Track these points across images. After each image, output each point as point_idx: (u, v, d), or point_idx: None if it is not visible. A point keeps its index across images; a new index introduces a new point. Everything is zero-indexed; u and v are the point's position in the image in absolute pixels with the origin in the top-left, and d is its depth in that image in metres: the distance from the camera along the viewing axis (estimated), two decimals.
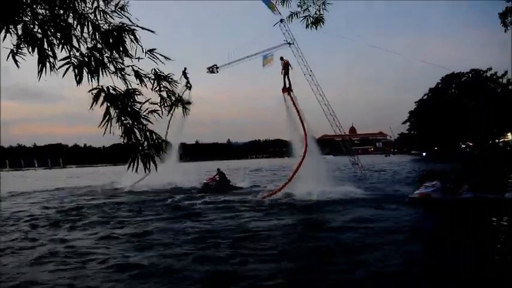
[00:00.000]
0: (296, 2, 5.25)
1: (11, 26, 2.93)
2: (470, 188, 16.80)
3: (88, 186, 34.78)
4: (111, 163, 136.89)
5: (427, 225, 13.35)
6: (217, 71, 42.17)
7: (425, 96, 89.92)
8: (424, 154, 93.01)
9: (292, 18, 5.35)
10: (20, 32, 3.01)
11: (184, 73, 37.03)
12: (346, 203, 17.85)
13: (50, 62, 3.01)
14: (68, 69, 3.05)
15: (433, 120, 77.05)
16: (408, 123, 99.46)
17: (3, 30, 2.91)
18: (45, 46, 2.99)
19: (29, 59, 3.19)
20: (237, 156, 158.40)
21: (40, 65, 2.97)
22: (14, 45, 3.07)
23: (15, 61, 3.12)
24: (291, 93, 24.85)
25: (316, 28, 5.30)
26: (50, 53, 3.07)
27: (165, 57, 3.63)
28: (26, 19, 3.07)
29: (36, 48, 3.02)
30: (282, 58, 25.87)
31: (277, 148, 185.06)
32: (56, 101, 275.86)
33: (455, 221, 13.36)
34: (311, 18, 5.27)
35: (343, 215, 15.09)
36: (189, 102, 3.88)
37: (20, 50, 3.08)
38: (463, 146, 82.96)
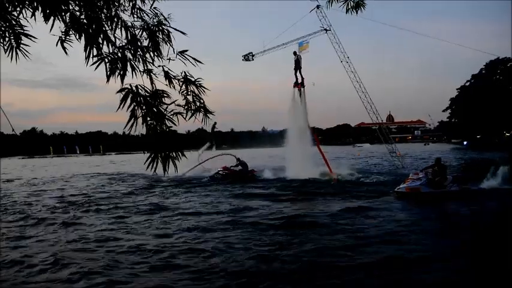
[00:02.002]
0: None
1: (58, 14, 3.02)
2: (454, 180, 16.69)
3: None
4: (144, 151, 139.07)
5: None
6: (253, 59, 42.17)
7: (468, 83, 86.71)
8: (465, 143, 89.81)
9: (332, 2, 5.23)
10: (67, 20, 3.10)
11: (213, 128, 37.65)
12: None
13: (96, 49, 3.09)
14: (99, 63, 3.12)
15: (476, 108, 74.30)
16: (449, 111, 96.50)
17: (52, 18, 3.00)
18: (93, 33, 3.07)
19: (71, 50, 3.29)
20: (272, 143, 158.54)
21: (87, 51, 3.05)
22: (62, 32, 3.17)
23: (64, 48, 3.23)
24: (303, 89, 26.30)
25: (356, 13, 5.18)
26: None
27: (196, 60, 3.63)
28: (74, 8, 3.15)
29: (83, 35, 3.10)
30: (295, 53, 26.79)
31: (311, 136, 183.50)
32: (93, 90, 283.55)
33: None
34: (351, 3, 5.14)
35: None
36: (210, 112, 3.83)
37: (68, 37, 3.18)
38: (507, 134, 79.64)
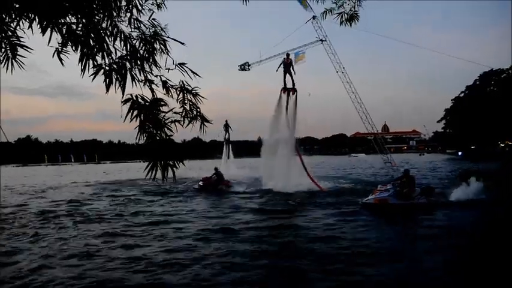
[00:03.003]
0: None
1: (55, 26, 3.05)
2: (422, 192, 16.82)
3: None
4: (143, 160, 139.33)
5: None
6: (249, 69, 42.43)
7: (462, 94, 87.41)
8: (460, 153, 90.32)
9: (326, 15, 5.31)
10: (64, 32, 3.13)
11: (226, 126, 38.57)
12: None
13: (92, 60, 3.12)
14: (97, 73, 3.15)
15: (470, 118, 74.82)
16: (444, 121, 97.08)
17: (49, 30, 3.03)
18: (89, 45, 3.10)
19: (67, 59, 3.32)
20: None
21: (83, 63, 3.08)
22: (59, 43, 3.20)
23: (60, 59, 3.26)
24: (295, 94, 23.97)
25: (350, 25, 5.24)
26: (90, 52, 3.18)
27: (194, 73, 3.67)
28: (70, 21, 3.18)
29: (79, 47, 3.13)
30: (288, 55, 25.04)
31: (307, 146, 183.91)
32: (90, 99, 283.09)
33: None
34: (346, 15, 5.21)
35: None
36: (207, 120, 3.87)
37: (64, 49, 3.21)
38: (501, 145, 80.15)
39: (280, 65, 23.72)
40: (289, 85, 24.17)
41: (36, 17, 3.03)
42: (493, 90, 78.13)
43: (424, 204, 16.29)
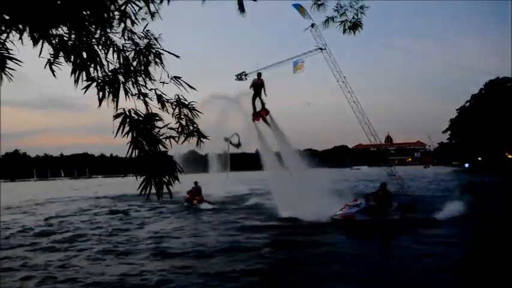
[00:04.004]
0: (332, 6, 5.23)
1: (46, 38, 3.07)
2: (399, 208, 16.35)
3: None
4: (136, 175, 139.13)
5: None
6: (246, 78, 42.51)
7: (468, 103, 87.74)
8: (466, 165, 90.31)
9: (328, 23, 5.34)
10: (55, 43, 3.15)
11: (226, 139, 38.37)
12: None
13: (84, 72, 3.14)
14: (89, 86, 3.16)
15: (476, 129, 75.01)
16: (449, 132, 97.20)
17: (40, 42, 3.05)
18: (82, 56, 3.12)
19: (57, 70, 3.33)
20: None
21: (76, 75, 3.10)
22: (50, 54, 3.22)
23: (52, 70, 3.28)
24: (269, 115, 20.31)
25: (354, 33, 5.26)
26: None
27: (190, 86, 3.68)
28: (61, 32, 3.21)
29: (71, 58, 3.15)
30: (259, 75, 20.00)
31: (307, 158, 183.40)
32: (81, 111, 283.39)
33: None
34: (348, 23, 5.23)
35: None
36: (205, 136, 3.87)
37: (56, 60, 3.23)
38: (510, 156, 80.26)
39: (251, 87, 19.82)
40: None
41: (27, 28, 3.05)
42: (499, 99, 78.52)
43: (397, 221, 15.64)
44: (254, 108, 20.06)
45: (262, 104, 20.15)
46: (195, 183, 25.89)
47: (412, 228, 14.96)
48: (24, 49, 3.37)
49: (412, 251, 11.84)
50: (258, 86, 19.63)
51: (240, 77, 42.51)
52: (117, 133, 3.08)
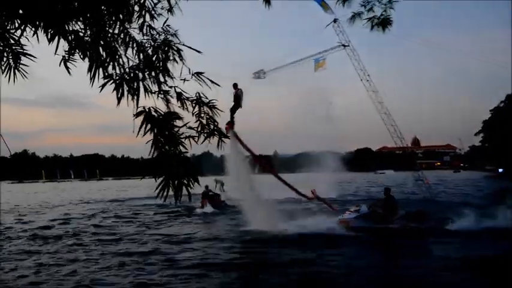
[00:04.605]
0: (358, 1, 5.14)
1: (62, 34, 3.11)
2: (406, 216, 15.95)
3: None
4: (149, 175, 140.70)
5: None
6: (264, 77, 42.57)
7: (502, 104, 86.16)
8: (500, 170, 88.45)
9: (354, 19, 5.27)
10: (71, 39, 3.19)
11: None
12: None
13: (102, 70, 3.17)
14: (105, 84, 3.18)
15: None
16: (481, 135, 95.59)
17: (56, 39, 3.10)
18: (99, 53, 3.15)
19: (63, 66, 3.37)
20: (285, 169, 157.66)
21: (92, 73, 3.13)
22: (65, 51, 3.26)
23: (67, 67, 3.32)
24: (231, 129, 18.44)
25: (383, 30, 5.16)
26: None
27: (213, 82, 3.67)
28: (77, 28, 3.25)
29: (87, 55, 3.19)
30: (235, 86, 18.25)
31: (329, 161, 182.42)
32: (91, 109, 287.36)
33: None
34: (376, 20, 5.14)
35: None
36: (226, 136, 3.86)
37: (71, 57, 3.27)
38: None
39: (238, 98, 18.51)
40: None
41: (42, 24, 3.10)
42: None
43: (397, 230, 15.35)
44: (232, 117, 18.53)
45: (232, 116, 18.71)
46: (206, 186, 26.36)
47: (411, 238, 14.72)
48: (36, 47, 3.44)
49: (386, 263, 11.84)
50: (234, 97, 18.32)
51: (258, 75, 42.58)
52: (139, 132, 3.09)
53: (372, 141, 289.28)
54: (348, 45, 36.17)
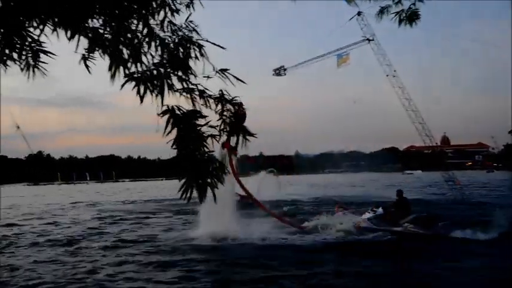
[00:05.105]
0: None
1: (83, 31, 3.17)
2: (414, 220, 15.74)
3: None
4: (165, 177, 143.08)
5: None
6: (285, 74, 42.57)
7: None
8: None
9: (382, 14, 5.21)
10: (91, 36, 3.24)
11: None
12: None
13: (123, 68, 3.20)
14: (126, 82, 3.21)
15: None
16: None
17: (76, 35, 3.15)
18: (121, 51, 3.19)
19: (81, 66, 3.42)
20: (307, 170, 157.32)
21: (113, 71, 3.17)
22: (85, 49, 3.31)
23: (87, 66, 3.37)
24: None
25: (411, 25, 5.11)
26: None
27: (238, 79, 3.68)
28: (97, 25, 3.30)
29: (107, 52, 3.23)
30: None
31: (352, 161, 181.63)
32: (107, 110, 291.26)
33: None
34: (404, 14, 5.08)
35: None
36: (251, 134, 3.88)
37: (91, 55, 3.32)
38: None
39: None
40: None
41: (61, 23, 3.15)
42: None
43: (400, 233, 15.46)
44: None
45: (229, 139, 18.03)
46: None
47: (408, 242, 14.68)
48: (50, 44, 3.50)
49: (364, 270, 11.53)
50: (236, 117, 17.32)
51: (279, 72, 42.60)
52: (165, 131, 3.13)
53: (399, 140, 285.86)
54: (373, 39, 35.92)
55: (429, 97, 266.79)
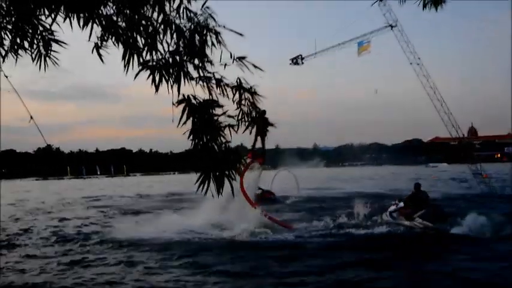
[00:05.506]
0: None
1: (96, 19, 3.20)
2: (424, 215, 16.08)
3: None
4: (178, 171, 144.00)
5: None
6: (303, 63, 42.28)
7: None
8: None
9: None
10: (104, 24, 3.28)
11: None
12: None
13: (137, 56, 3.23)
14: (140, 70, 3.23)
15: None
16: None
17: (90, 23, 3.18)
18: (135, 39, 3.21)
19: (92, 57, 3.45)
20: (327, 163, 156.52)
21: (126, 59, 3.20)
22: (98, 37, 3.35)
23: (99, 55, 3.41)
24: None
25: (436, 9, 5.05)
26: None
27: (256, 67, 3.68)
28: (111, 12, 3.32)
29: (121, 41, 3.26)
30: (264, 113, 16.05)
31: (373, 154, 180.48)
32: (118, 102, 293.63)
33: None
34: None
35: None
36: (270, 124, 3.90)
37: (104, 43, 3.36)
38: None
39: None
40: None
41: (74, 11, 3.18)
42: None
43: (408, 227, 16.48)
44: (254, 146, 18.86)
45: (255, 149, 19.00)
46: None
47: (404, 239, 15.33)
48: (61, 33, 3.54)
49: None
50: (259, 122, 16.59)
51: (296, 61, 42.32)
52: (180, 121, 3.14)
53: (423, 132, 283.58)
54: (396, 26, 35.45)
55: (456, 86, 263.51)
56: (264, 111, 16.78)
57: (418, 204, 16.47)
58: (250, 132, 3.86)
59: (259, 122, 14.31)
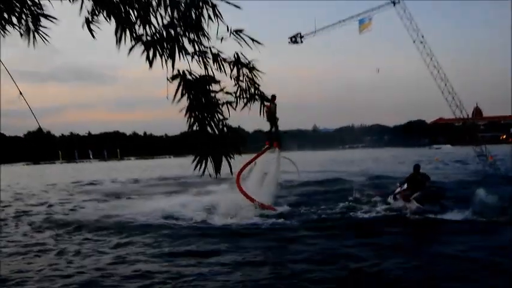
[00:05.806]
0: None
1: None
2: (421, 196, 16.39)
3: None
4: (174, 154, 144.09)
5: None
6: (302, 41, 42.06)
7: None
8: None
9: None
10: None
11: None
12: None
13: (129, 31, 3.18)
14: (133, 46, 3.19)
15: None
16: None
17: None
18: (128, 13, 3.17)
19: (83, 35, 3.42)
20: (325, 145, 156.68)
21: (119, 34, 3.16)
22: (88, 12, 3.30)
23: (90, 30, 3.37)
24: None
25: None
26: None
27: (254, 41, 3.63)
28: None
29: (113, 14, 3.22)
30: (273, 98, 18.60)
31: (374, 136, 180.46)
32: (111, 83, 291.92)
33: None
34: None
35: None
36: (269, 99, 3.86)
37: (95, 18, 3.32)
38: None
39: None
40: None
41: None
42: None
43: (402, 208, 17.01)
44: (270, 133, 20.42)
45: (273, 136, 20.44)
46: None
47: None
48: (50, 9, 3.50)
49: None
50: (268, 114, 18.86)
51: (295, 39, 42.09)
52: (174, 97, 3.10)
53: (426, 112, 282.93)
54: (398, 2, 35.21)
55: (460, 66, 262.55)
56: (274, 96, 17.14)
57: (416, 186, 16.74)
58: (249, 107, 3.82)
59: (273, 106, 14.88)
